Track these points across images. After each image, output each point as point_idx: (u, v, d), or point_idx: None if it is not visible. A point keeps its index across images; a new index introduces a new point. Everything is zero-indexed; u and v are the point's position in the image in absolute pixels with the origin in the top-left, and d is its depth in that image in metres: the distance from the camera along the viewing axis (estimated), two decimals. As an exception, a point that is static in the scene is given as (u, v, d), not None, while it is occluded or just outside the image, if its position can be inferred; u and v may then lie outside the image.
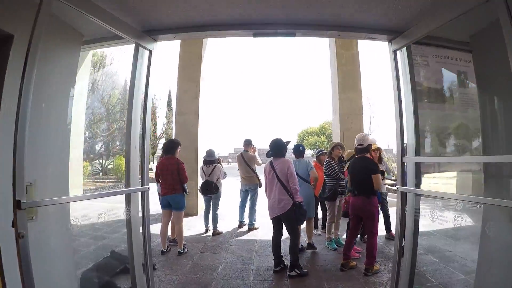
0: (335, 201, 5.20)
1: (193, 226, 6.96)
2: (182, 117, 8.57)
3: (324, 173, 5.32)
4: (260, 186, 6.63)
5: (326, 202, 5.44)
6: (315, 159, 6.05)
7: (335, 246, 5.24)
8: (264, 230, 6.53)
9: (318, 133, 36.24)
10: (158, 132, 24.83)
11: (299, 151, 5.25)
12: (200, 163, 6.37)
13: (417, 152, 2.92)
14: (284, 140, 4.45)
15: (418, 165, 2.91)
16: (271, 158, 4.40)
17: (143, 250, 3.06)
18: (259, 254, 5.03)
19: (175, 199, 5.06)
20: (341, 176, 5.18)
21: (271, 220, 4.39)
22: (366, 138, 4.31)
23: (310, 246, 5.18)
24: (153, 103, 24.73)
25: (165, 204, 5.12)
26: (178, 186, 5.08)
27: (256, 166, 6.72)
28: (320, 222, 6.43)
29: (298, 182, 4.16)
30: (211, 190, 6.09)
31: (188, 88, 8.60)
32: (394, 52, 3.13)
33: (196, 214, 8.12)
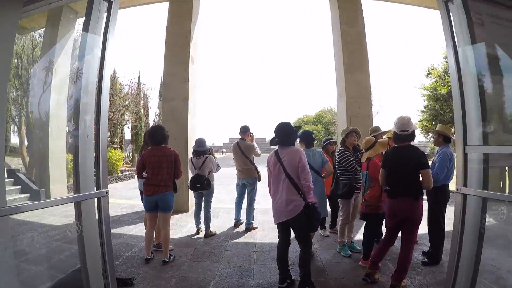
0: (350, 198, 4.39)
1: (183, 225, 6.13)
2: (169, 103, 7.65)
3: (337, 165, 4.50)
4: (259, 180, 5.81)
5: (339, 200, 4.62)
6: (320, 149, 5.21)
7: (349, 252, 4.45)
8: (264, 230, 5.74)
9: (315, 122, 35.54)
10: (151, 123, 23.92)
11: (310, 139, 4.37)
12: (191, 154, 5.50)
13: (485, 139, 2.10)
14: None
15: (486, 157, 2.09)
16: (277, 147, 3.52)
17: (103, 271, 2.24)
18: (260, 263, 4.22)
19: (165, 199, 4.18)
20: (357, 169, 4.35)
21: (276, 225, 3.55)
22: (411, 123, 3.40)
23: None
24: (145, 93, 23.91)
25: (151, 206, 4.20)
26: (170, 182, 4.25)
27: (254, 157, 5.87)
28: (328, 221, 5.65)
29: (311, 178, 3.32)
30: (202, 185, 5.24)
31: (176, 71, 7.65)
32: (445, 3, 2.28)
33: (187, 211, 7.29)
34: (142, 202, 4.40)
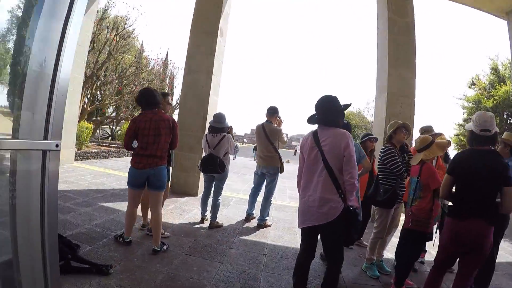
0: (391, 208, 3.55)
1: (187, 211, 5.44)
2: (191, 76, 6.94)
3: (380, 165, 3.63)
4: (281, 171, 5.01)
5: (376, 208, 3.77)
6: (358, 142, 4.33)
7: (377, 274, 3.59)
8: (278, 230, 4.97)
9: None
10: (174, 102, 23.55)
11: (348, 127, 3.47)
12: (207, 131, 4.78)
13: None
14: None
15: None
16: (315, 128, 2.70)
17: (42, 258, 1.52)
18: (269, 271, 3.44)
19: (160, 174, 3.49)
20: (404, 173, 3.49)
21: (297, 228, 2.76)
22: (494, 122, 2.52)
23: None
24: (172, 72, 23.49)
25: (140, 182, 3.49)
26: (165, 154, 3.56)
27: (280, 144, 5.06)
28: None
29: (357, 173, 2.45)
30: (215, 167, 4.49)
31: (202, 42, 6.94)
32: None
33: (195, 195, 6.62)
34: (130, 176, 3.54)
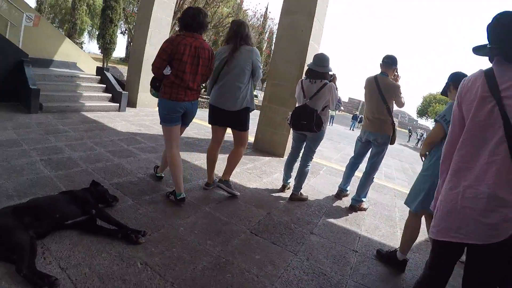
0: None
1: (267, 173, 4.66)
2: (289, 17, 5.77)
3: None
4: (392, 142, 3.79)
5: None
6: None
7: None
8: (375, 218, 3.85)
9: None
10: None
11: None
12: (303, 75, 3.78)
13: None
14: None
15: None
16: (488, 67, 1.47)
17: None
18: (358, 279, 2.43)
19: (196, 109, 3.17)
20: None
21: (433, 241, 1.64)
22: None
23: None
24: (271, 28, 22.62)
25: (177, 117, 3.01)
26: (200, 88, 3.14)
27: (394, 106, 3.77)
28: None
29: None
30: (309, 123, 3.45)
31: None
32: None
33: (281, 156, 5.79)
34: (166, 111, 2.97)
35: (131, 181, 3.41)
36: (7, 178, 2.95)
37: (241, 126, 3.38)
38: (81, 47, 29.56)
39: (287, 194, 3.91)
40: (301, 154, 3.89)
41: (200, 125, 7.43)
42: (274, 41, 13.09)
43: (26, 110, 5.64)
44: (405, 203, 2.75)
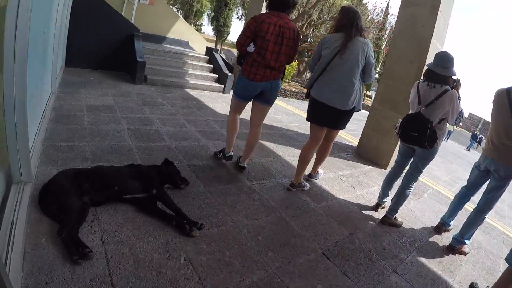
0: None
1: (364, 184, 4.00)
2: (409, 9, 4.86)
3: None
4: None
5: None
6: None
7: None
8: (474, 267, 2.86)
9: None
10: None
11: None
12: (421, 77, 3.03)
13: None
14: None
15: None
16: None
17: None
18: None
19: (277, 88, 3.05)
20: None
21: None
22: None
23: None
24: (392, 26, 20.71)
25: (251, 96, 3.07)
26: (283, 68, 3.02)
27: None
28: None
29: None
30: (421, 137, 2.71)
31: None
32: None
33: (384, 167, 4.95)
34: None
35: (211, 166, 3.21)
36: (89, 140, 3.02)
37: (343, 127, 3.13)
38: (200, 29, 31.68)
39: (379, 214, 3.23)
40: (405, 171, 3.19)
41: (303, 118, 7.00)
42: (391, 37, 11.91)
43: (132, 81, 6.02)
44: (506, 259, 2.16)
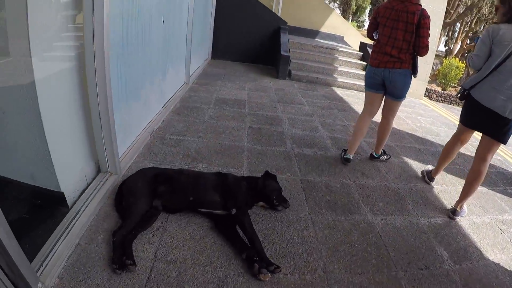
0: None
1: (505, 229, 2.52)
2: None
3: None
4: None
5: None
6: None
7: None
8: None
9: None
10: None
11: None
12: None
13: None
14: None
15: None
16: None
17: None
18: None
19: (395, 78, 2.67)
20: None
21: None
22: None
23: None
24: None
25: (375, 84, 2.81)
26: (406, 57, 2.59)
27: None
28: None
29: None
30: None
31: None
32: None
33: None
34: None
35: (329, 185, 2.52)
36: (201, 136, 2.85)
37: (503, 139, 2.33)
38: (362, 25, 30.34)
39: None
40: None
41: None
42: None
43: (275, 75, 5.75)
44: None
